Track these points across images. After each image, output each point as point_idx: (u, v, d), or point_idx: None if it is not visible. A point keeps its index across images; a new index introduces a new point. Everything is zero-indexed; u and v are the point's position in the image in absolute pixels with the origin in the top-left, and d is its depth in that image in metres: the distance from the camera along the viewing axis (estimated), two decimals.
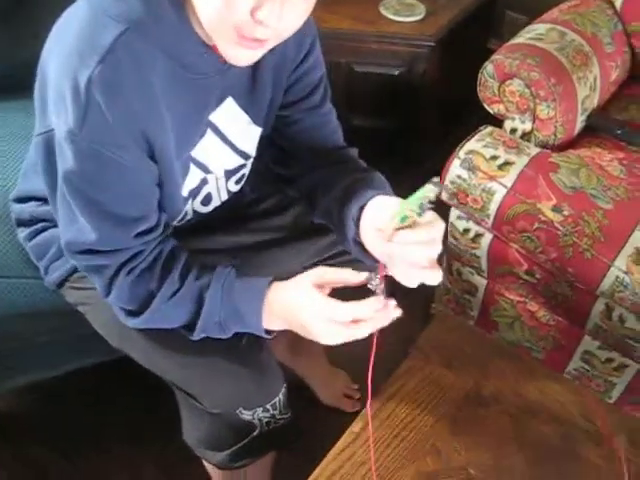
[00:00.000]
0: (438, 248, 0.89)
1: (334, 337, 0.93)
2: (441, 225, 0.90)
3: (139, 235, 0.99)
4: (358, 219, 1.00)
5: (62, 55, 0.90)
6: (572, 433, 1.07)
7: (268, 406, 1.11)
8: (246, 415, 1.10)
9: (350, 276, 0.95)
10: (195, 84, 0.96)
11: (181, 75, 0.93)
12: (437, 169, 1.59)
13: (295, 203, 1.27)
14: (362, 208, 1.00)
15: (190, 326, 1.02)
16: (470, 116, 2.22)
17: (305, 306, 0.94)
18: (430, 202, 0.85)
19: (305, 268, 1.12)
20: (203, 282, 1.00)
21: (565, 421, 1.08)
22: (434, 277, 0.89)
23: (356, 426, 1.06)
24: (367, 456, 1.03)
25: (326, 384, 1.70)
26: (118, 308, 1.04)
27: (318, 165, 1.17)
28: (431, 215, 0.89)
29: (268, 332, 1.01)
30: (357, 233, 1.01)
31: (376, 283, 0.92)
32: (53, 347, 1.47)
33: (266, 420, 1.12)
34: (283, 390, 1.13)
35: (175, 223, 1.12)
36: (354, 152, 1.20)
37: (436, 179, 0.84)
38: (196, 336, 1.02)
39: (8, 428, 1.66)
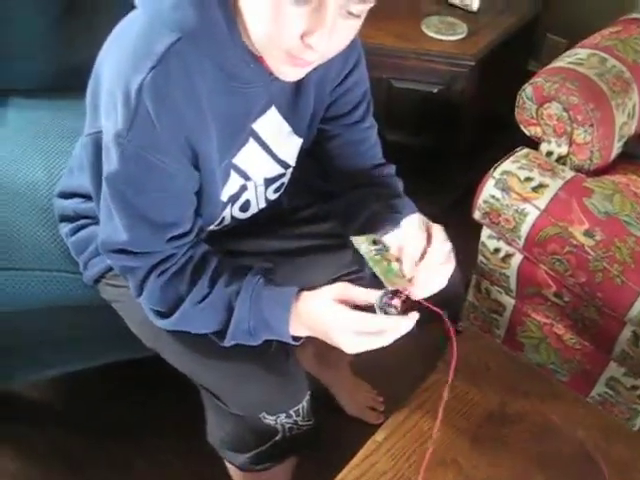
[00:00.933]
0: (453, 262, 0.97)
1: (357, 347, 0.95)
2: (443, 238, 0.96)
3: (171, 240, 1.02)
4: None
5: (117, 60, 0.93)
6: (595, 458, 1.07)
7: (291, 412, 1.13)
8: (269, 420, 1.12)
9: (371, 297, 0.96)
10: (240, 93, 0.99)
11: (228, 84, 0.96)
12: (471, 187, 1.61)
13: (331, 216, 1.30)
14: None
15: (221, 333, 1.04)
16: (505, 137, 2.23)
17: (329, 319, 0.96)
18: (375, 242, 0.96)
19: (333, 280, 1.15)
20: (232, 290, 1.02)
21: (588, 445, 1.09)
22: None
23: (379, 435, 1.08)
24: (389, 465, 1.04)
25: (351, 395, 1.72)
26: (148, 308, 1.07)
27: (354, 184, 1.20)
28: (435, 233, 0.95)
29: (295, 339, 1.03)
30: None
31: (392, 311, 0.94)
32: (88, 341, 1.51)
33: (288, 426, 1.14)
34: (307, 398, 1.15)
35: (212, 227, 1.15)
36: (391, 169, 1.23)
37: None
38: (227, 343, 1.04)
39: (41, 416, 1.70)
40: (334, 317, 0.95)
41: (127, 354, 1.51)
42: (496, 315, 1.74)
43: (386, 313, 0.93)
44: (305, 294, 1.00)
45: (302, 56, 0.87)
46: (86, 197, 1.20)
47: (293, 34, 0.84)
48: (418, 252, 0.94)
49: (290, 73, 0.93)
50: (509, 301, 1.69)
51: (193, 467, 1.59)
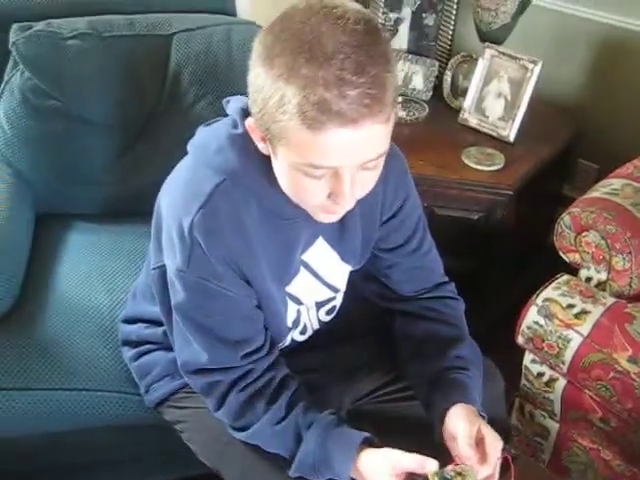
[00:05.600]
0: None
1: None
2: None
3: (246, 355, 1.09)
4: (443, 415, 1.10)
5: (171, 202, 1.06)
6: None
7: None
8: None
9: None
10: (285, 227, 1.08)
11: (272, 220, 1.06)
12: (510, 308, 1.63)
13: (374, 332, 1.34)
14: (447, 409, 1.09)
15: (287, 461, 1.08)
16: (543, 258, 2.26)
17: None
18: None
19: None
20: (306, 421, 1.07)
21: None
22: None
23: None
24: None
25: None
26: (225, 420, 1.12)
27: (417, 307, 1.25)
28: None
29: None
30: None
31: None
32: (135, 461, 1.54)
33: None
34: None
35: None
36: (451, 288, 1.29)
37: None
38: (292, 473, 1.08)
39: None
40: None
41: (177, 473, 1.54)
42: (540, 439, 1.73)
43: None
44: (368, 453, 1.04)
45: (332, 210, 0.98)
46: (149, 322, 1.28)
47: (321, 196, 0.94)
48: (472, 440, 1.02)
49: (327, 218, 1.02)
50: (553, 425, 1.68)
51: None
